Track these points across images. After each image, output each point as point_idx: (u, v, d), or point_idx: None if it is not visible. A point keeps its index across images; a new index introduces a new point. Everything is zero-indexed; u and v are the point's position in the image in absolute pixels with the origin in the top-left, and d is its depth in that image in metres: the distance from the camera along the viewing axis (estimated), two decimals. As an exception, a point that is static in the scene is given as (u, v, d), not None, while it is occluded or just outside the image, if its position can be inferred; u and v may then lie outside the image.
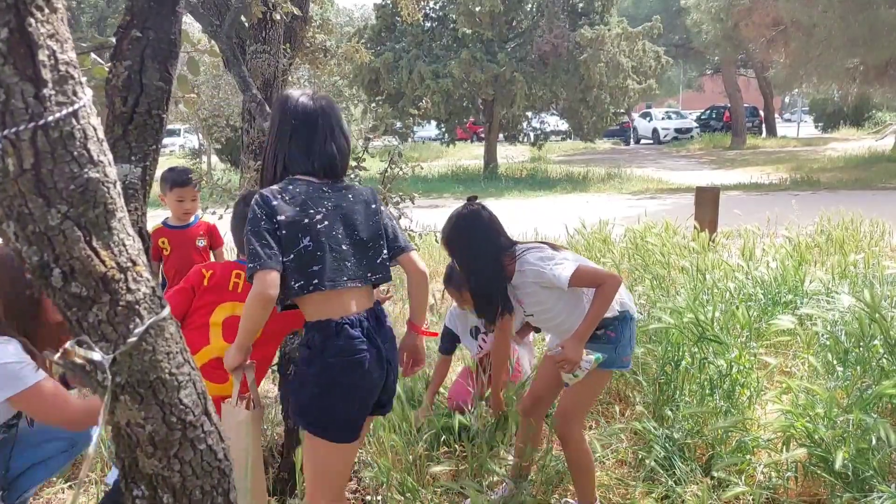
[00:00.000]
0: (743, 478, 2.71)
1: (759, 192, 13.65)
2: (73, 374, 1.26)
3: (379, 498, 2.78)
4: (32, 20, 1.08)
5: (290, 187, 1.96)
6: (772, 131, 29.51)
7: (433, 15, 18.99)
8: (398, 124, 18.76)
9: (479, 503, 2.59)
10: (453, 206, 2.76)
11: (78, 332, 1.18)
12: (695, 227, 5.74)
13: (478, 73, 16.48)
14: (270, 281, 1.81)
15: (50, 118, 1.09)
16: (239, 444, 1.90)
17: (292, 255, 1.89)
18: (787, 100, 43.64)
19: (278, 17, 5.12)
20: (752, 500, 2.64)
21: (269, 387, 3.86)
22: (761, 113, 30.47)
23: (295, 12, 4.91)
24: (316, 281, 1.91)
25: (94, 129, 1.17)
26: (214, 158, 19.35)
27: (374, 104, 18.63)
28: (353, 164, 4.77)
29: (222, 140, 16.85)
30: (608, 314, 2.45)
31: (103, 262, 1.15)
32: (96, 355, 1.15)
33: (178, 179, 3.61)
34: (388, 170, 3.94)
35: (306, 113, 2.04)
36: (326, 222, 1.95)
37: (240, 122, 7.94)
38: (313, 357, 1.93)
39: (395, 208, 4.13)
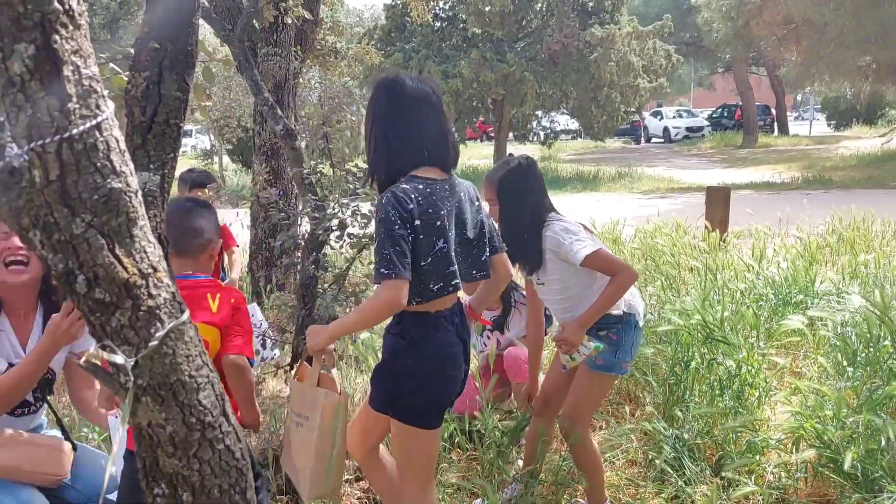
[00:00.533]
0: (752, 478, 2.73)
1: (771, 191, 13.59)
2: (97, 376, 1.30)
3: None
4: (57, 37, 1.12)
5: (420, 186, 1.89)
6: (784, 130, 29.34)
7: (443, 15, 19.03)
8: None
9: (494, 502, 2.61)
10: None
11: (101, 336, 1.22)
12: (705, 227, 5.74)
13: (488, 72, 16.51)
14: (404, 292, 1.80)
15: (74, 131, 1.13)
16: (324, 425, 1.94)
17: (430, 259, 1.88)
18: (799, 98, 43.34)
19: (290, 20, 5.18)
20: (762, 500, 2.65)
21: (280, 387, 3.91)
22: (773, 111, 30.30)
23: (306, 16, 4.97)
24: (455, 282, 1.94)
25: (116, 141, 1.21)
26: (226, 159, 19.45)
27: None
28: (363, 164, 4.82)
29: (234, 140, 16.93)
30: (613, 311, 2.47)
31: (126, 268, 1.20)
32: (119, 358, 1.19)
33: (198, 180, 3.70)
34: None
35: (419, 97, 1.94)
36: (448, 222, 1.94)
37: (251, 124, 8.02)
38: (409, 348, 1.95)
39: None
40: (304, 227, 3.34)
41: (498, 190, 2.55)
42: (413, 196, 1.85)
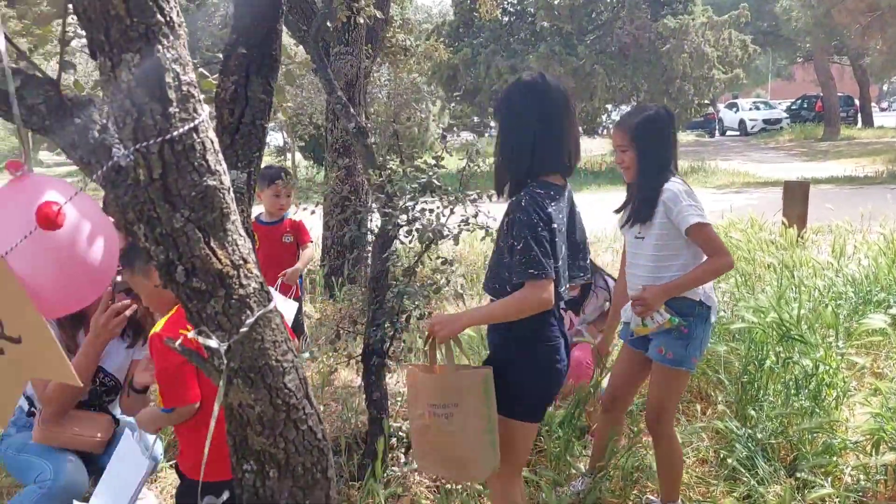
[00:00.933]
0: (829, 480, 2.66)
1: (853, 186, 12.99)
2: (191, 359, 1.41)
3: (458, 487, 2.87)
4: (160, 46, 1.22)
5: (552, 192, 1.92)
6: (868, 121, 27.92)
7: (511, 10, 18.96)
8: (475, 119, 18.85)
9: (551, 497, 2.63)
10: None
11: (197, 322, 1.32)
12: (783, 223, 5.57)
13: (556, 66, 16.36)
14: (552, 290, 1.84)
15: (175, 133, 1.24)
16: (478, 404, 1.97)
17: (560, 262, 1.94)
18: (885, 88, 41.13)
19: (361, 20, 5.31)
20: (839, 502, 2.59)
21: (352, 376, 4.03)
22: (856, 102, 28.87)
23: (377, 14, 5.08)
24: (569, 284, 2.01)
25: (212, 142, 1.31)
26: (298, 156, 19.96)
27: (453, 103, 18.79)
28: (431, 161, 4.91)
29: (305, 137, 17.36)
30: (692, 295, 2.42)
31: (220, 260, 1.29)
32: (213, 342, 1.29)
33: (275, 176, 3.85)
34: (467, 168, 4.00)
35: (563, 101, 1.93)
36: (566, 227, 2.00)
37: (323, 121, 8.23)
38: (523, 347, 2.00)
39: (471, 205, 4.19)
40: (375, 222, 3.43)
41: (633, 134, 2.48)
42: (548, 200, 1.88)
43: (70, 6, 1.45)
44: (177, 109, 1.24)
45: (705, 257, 2.41)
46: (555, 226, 1.87)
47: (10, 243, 1.21)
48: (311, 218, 4.15)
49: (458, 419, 1.98)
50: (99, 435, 2.42)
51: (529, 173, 1.95)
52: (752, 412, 3.15)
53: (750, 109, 30.29)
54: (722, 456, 3.00)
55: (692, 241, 2.40)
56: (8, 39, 1.25)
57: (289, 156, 19.45)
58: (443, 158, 4.08)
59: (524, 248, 1.83)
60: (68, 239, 1.20)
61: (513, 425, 2.03)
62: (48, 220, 1.19)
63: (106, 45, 1.21)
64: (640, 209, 2.50)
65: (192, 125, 1.26)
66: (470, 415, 1.96)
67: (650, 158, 2.48)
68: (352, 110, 3.73)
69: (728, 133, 30.42)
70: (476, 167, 3.76)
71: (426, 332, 2.08)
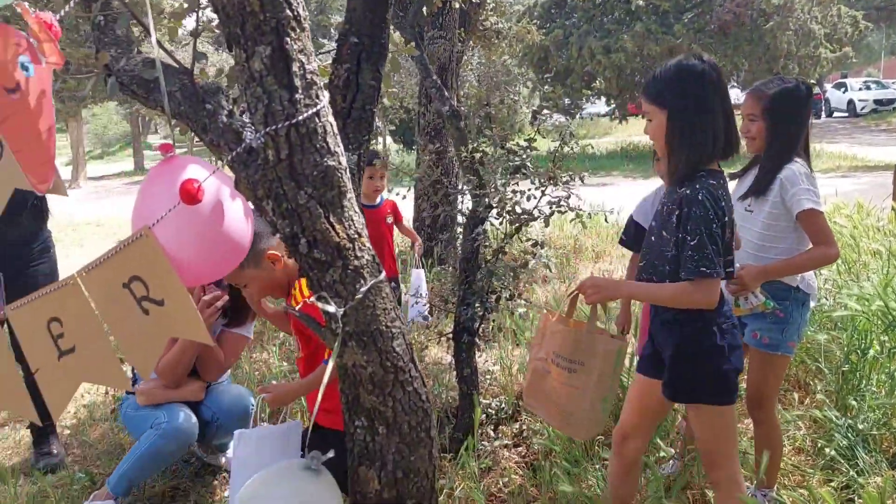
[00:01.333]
0: (936, 474, 2.58)
1: (975, 170, 12.06)
2: (308, 324, 1.55)
3: (546, 464, 2.94)
4: (288, 39, 1.35)
5: (722, 181, 1.89)
6: None
7: (605, -12, 18.56)
8: (567, 101, 18.62)
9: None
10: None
11: (317, 289, 1.46)
12: (892, 209, 5.30)
13: (652, 45, 15.92)
14: (718, 290, 1.85)
15: (300, 117, 1.36)
16: (604, 370, 2.01)
17: (729, 257, 1.94)
18: None
19: (456, 4, 5.39)
20: (944, 496, 2.50)
21: (442, 354, 4.16)
22: (984, 79, 26.62)
23: (472, -1, 5.16)
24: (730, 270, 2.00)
25: (331, 125, 1.44)
26: (388, 139, 20.34)
27: (545, 85, 18.60)
28: (523, 143, 4.95)
29: (396, 122, 17.69)
30: (787, 280, 2.37)
31: (338, 233, 1.42)
32: (332, 308, 1.42)
33: (370, 159, 4.01)
34: (559, 149, 4.02)
35: (724, 87, 1.90)
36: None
37: (414, 105, 8.38)
38: (707, 328, 1.96)
39: (563, 188, 4.21)
40: (466, 203, 3.52)
41: (768, 105, 2.38)
42: (721, 192, 1.85)
43: (204, 2, 1.60)
44: (302, 96, 1.37)
45: (810, 245, 2.34)
46: (726, 219, 1.85)
47: (157, 216, 1.38)
48: (401, 202, 4.35)
49: (579, 377, 2.02)
50: (192, 396, 2.87)
51: (707, 161, 1.90)
52: (853, 402, 3.06)
53: (860, 89, 28.43)
54: (819, 445, 2.94)
55: (801, 226, 2.32)
56: (149, 33, 1.40)
57: (380, 140, 19.84)
58: (534, 140, 4.12)
59: (698, 244, 1.79)
60: (207, 213, 1.35)
61: (716, 413, 1.98)
62: (189, 195, 1.33)
63: (241, 37, 1.34)
64: (756, 183, 2.42)
65: (315, 110, 1.38)
66: (594, 378, 2.00)
67: (780, 133, 2.38)
68: (446, 93, 3.83)
69: (835, 114, 28.70)
70: (569, 149, 3.79)
71: (574, 288, 2.07)
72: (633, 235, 3.29)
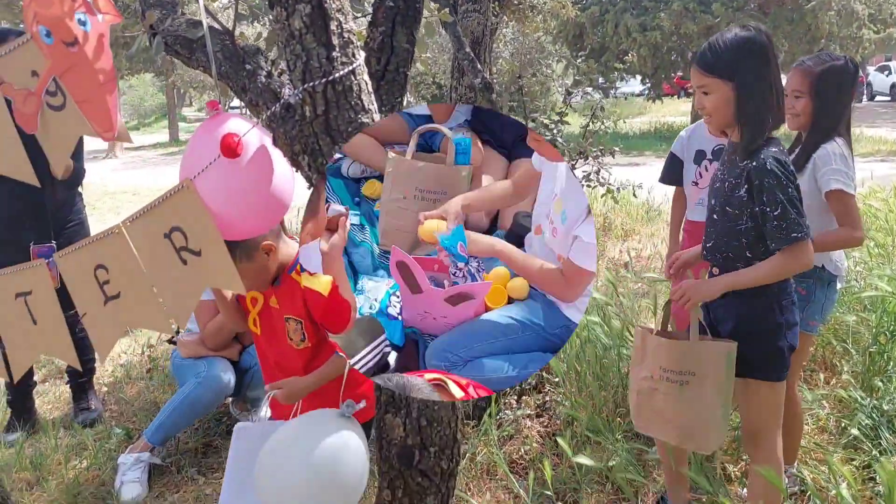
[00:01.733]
0: (961, 456, 2.57)
1: None
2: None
3: (567, 432, 2.99)
4: (327, -3, 1.38)
5: (782, 148, 1.89)
6: None
7: (643, -35, 18.21)
8: (601, 79, 18.39)
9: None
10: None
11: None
12: (930, 193, 5.20)
13: (689, 24, 15.63)
14: (812, 251, 1.85)
15: (337, 75, 1.40)
16: (719, 376, 1.95)
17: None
18: None
19: (491, -24, 5.35)
20: (969, 478, 2.49)
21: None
22: None
23: (507, -28, 5.12)
24: None
25: (366, 84, 1.47)
26: (419, 115, 20.28)
27: (579, 60, 18.36)
28: (555, 118, 4.95)
29: (428, 97, 17.65)
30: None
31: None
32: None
33: None
34: (590, 124, 3.99)
35: (775, 55, 1.91)
36: None
37: (447, 80, 8.37)
38: (773, 303, 1.97)
39: (594, 162, 4.20)
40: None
41: (815, 83, 2.35)
42: (784, 158, 1.86)
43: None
44: (339, 54, 1.41)
45: (835, 227, 2.31)
46: (797, 182, 1.85)
47: (199, 168, 1.42)
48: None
49: (693, 388, 1.96)
50: (228, 354, 3.08)
51: (770, 130, 1.91)
52: (880, 383, 3.05)
53: (905, 72, 27.60)
54: (843, 425, 2.94)
55: (829, 206, 2.31)
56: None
57: (411, 114, 19.79)
58: (566, 115, 4.10)
59: (782, 213, 1.79)
60: (246, 167, 1.39)
61: (771, 388, 2.00)
62: (229, 148, 1.38)
63: (282, -4, 1.38)
64: (795, 160, 2.38)
65: (351, 68, 1.42)
66: (708, 386, 1.95)
67: (825, 112, 2.35)
68: (478, 66, 3.84)
69: (877, 98, 27.92)
70: (600, 124, 3.77)
71: (669, 297, 2.06)
72: (668, 170, 3.30)
